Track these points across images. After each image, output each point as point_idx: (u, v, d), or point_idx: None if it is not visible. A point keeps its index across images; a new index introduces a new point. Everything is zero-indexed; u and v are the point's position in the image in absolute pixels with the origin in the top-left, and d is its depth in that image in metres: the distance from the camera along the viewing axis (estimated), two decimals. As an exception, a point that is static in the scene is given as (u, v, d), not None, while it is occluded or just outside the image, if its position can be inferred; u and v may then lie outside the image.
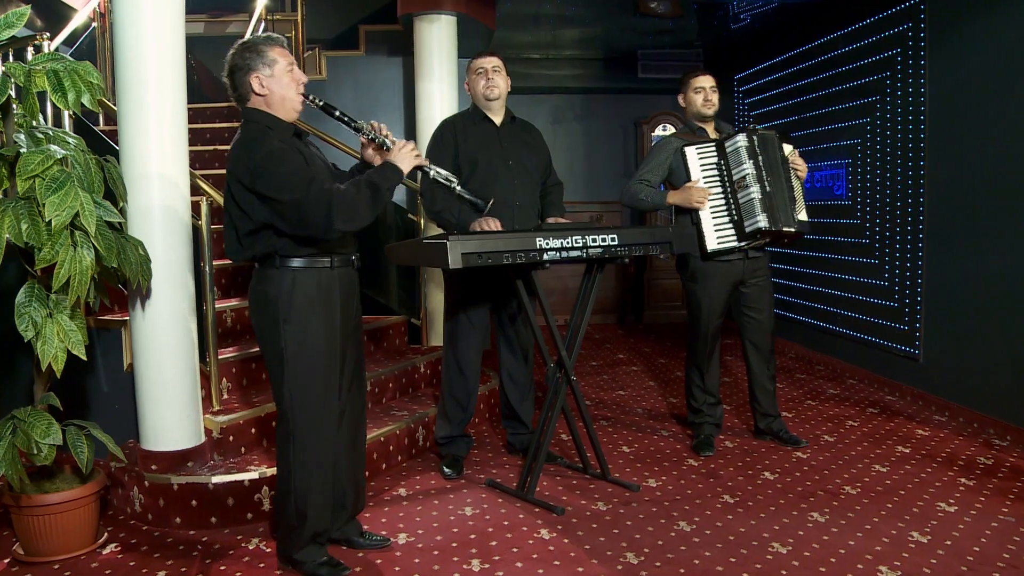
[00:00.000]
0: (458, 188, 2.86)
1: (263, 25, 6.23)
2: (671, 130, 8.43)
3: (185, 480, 3.14)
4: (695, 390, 4.14)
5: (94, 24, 5.65)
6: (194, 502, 3.14)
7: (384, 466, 3.80)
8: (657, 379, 5.74)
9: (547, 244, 3.16)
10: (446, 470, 3.76)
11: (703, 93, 3.95)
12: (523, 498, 3.44)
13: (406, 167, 2.64)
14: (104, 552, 2.97)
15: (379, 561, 2.88)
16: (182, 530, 3.14)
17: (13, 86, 2.67)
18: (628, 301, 8.41)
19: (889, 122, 5.01)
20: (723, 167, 3.85)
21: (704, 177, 3.89)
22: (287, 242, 2.60)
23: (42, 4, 5.27)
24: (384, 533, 3.10)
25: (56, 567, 2.84)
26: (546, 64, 8.09)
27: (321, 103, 2.69)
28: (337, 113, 2.72)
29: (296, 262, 2.62)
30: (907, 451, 3.98)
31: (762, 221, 3.77)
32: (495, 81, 3.72)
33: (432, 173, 2.77)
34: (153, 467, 3.20)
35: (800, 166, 3.94)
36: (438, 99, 5.12)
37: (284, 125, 2.64)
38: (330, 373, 2.68)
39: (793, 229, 3.82)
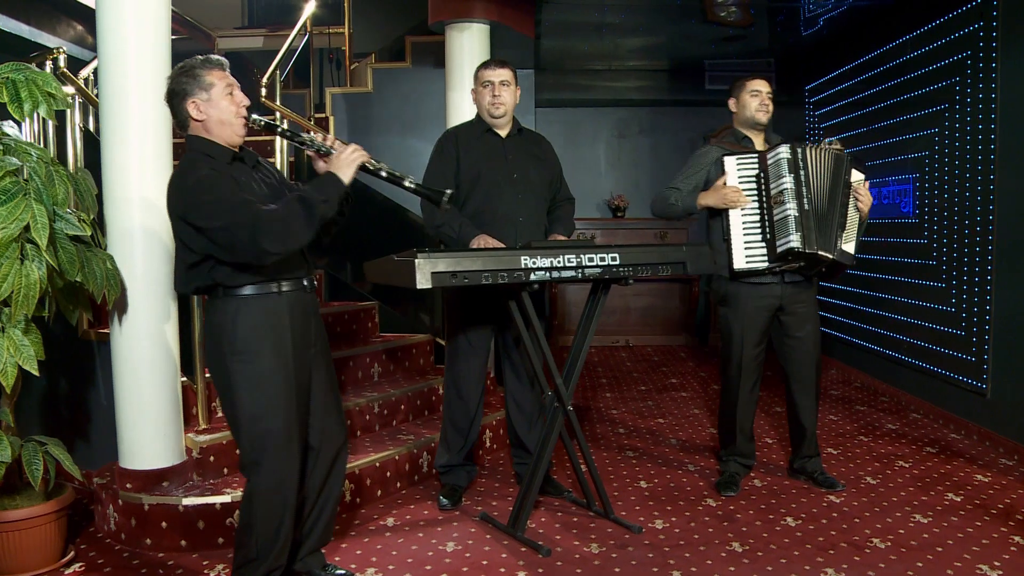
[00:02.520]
0: (412, 184, 2.63)
1: (306, 38, 6.23)
2: (740, 143, 8.03)
3: (156, 501, 3.06)
4: (726, 425, 3.81)
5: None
6: (164, 524, 3.05)
7: (379, 492, 3.63)
8: (705, 407, 5.39)
9: (534, 263, 2.93)
10: (442, 500, 3.56)
11: (759, 97, 3.63)
12: (512, 535, 3.21)
13: (346, 174, 2.46)
14: (67, 571, 2.91)
15: (336, 599, 2.71)
16: (151, 552, 3.06)
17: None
18: (691, 322, 8.03)
19: (958, 132, 4.54)
20: (762, 180, 3.53)
21: (744, 191, 3.59)
22: (227, 271, 2.45)
23: (94, 22, 5.38)
24: (354, 566, 2.93)
25: (16, 586, 2.80)
26: (608, 76, 7.84)
27: (263, 123, 2.52)
28: (280, 129, 2.58)
29: (240, 291, 2.48)
30: (958, 499, 3.54)
31: (794, 241, 3.43)
32: (502, 97, 3.51)
33: (384, 173, 2.56)
34: (128, 485, 3.13)
35: (863, 197, 3.57)
36: (469, 110, 4.94)
37: (222, 150, 2.50)
38: (287, 405, 2.52)
39: (830, 256, 3.47)
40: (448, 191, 2.64)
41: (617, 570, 2.90)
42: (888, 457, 4.16)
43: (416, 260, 2.70)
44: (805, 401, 3.72)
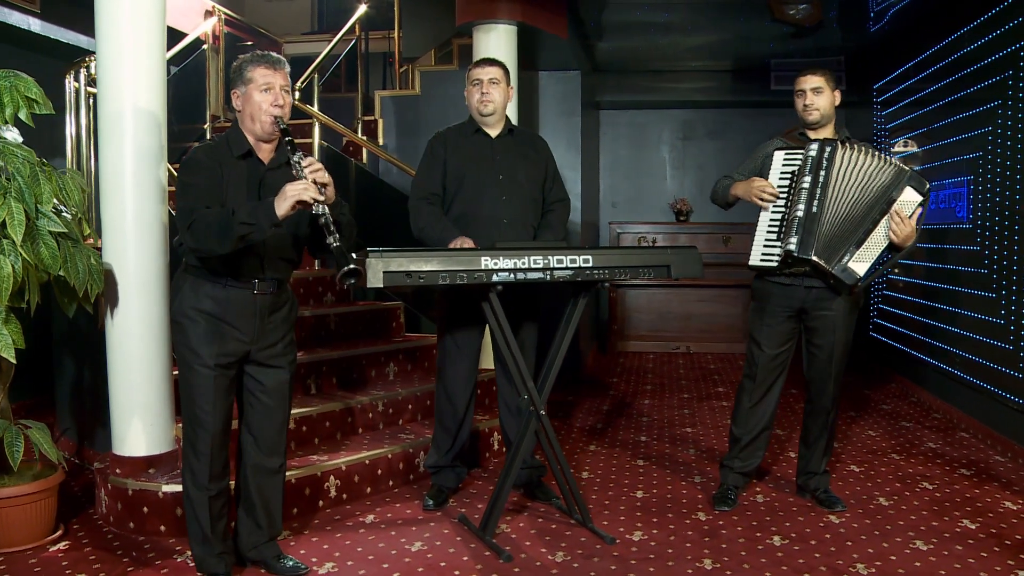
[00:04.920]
0: (333, 243, 2.47)
1: (352, 42, 6.38)
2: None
3: (139, 486, 3.20)
4: (734, 428, 3.66)
5: (205, 45, 6.04)
6: (145, 509, 3.18)
7: (368, 490, 3.67)
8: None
9: (495, 264, 2.91)
10: (427, 501, 3.56)
11: (802, 97, 3.44)
12: (480, 538, 3.18)
13: (281, 207, 2.43)
14: (51, 548, 3.08)
15: (283, 589, 2.77)
16: (133, 535, 3.19)
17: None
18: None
19: (1011, 131, 4.21)
20: (794, 177, 3.38)
21: (779, 187, 3.43)
22: (191, 254, 2.65)
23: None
24: (314, 560, 2.98)
25: (1, 560, 2.98)
26: (671, 77, 7.66)
27: (281, 125, 2.63)
28: (288, 139, 2.63)
29: (193, 272, 2.67)
30: (973, 527, 3.27)
31: (792, 244, 3.27)
32: (490, 95, 3.49)
33: (321, 221, 2.49)
34: (117, 471, 3.28)
35: (898, 224, 3.23)
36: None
37: (242, 142, 2.67)
38: (204, 383, 2.63)
39: (828, 268, 3.26)
40: (350, 267, 2.47)
41: (572, 580, 2.84)
42: (913, 478, 3.89)
43: (368, 259, 2.73)
44: (815, 416, 3.54)
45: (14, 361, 2.82)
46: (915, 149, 5.74)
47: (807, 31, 6.37)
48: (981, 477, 3.89)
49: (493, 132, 3.56)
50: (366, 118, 6.19)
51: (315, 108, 5.32)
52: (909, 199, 3.26)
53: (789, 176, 3.40)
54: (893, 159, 3.34)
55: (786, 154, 3.44)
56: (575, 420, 5.14)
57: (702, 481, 3.90)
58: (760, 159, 3.58)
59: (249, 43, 7.07)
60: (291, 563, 2.86)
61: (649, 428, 4.94)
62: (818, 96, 3.42)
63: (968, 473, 3.96)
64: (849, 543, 3.13)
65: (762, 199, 3.40)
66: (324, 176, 2.54)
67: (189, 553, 3.01)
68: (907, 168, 3.32)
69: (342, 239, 2.51)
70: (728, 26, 6.33)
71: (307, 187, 2.46)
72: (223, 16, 6.21)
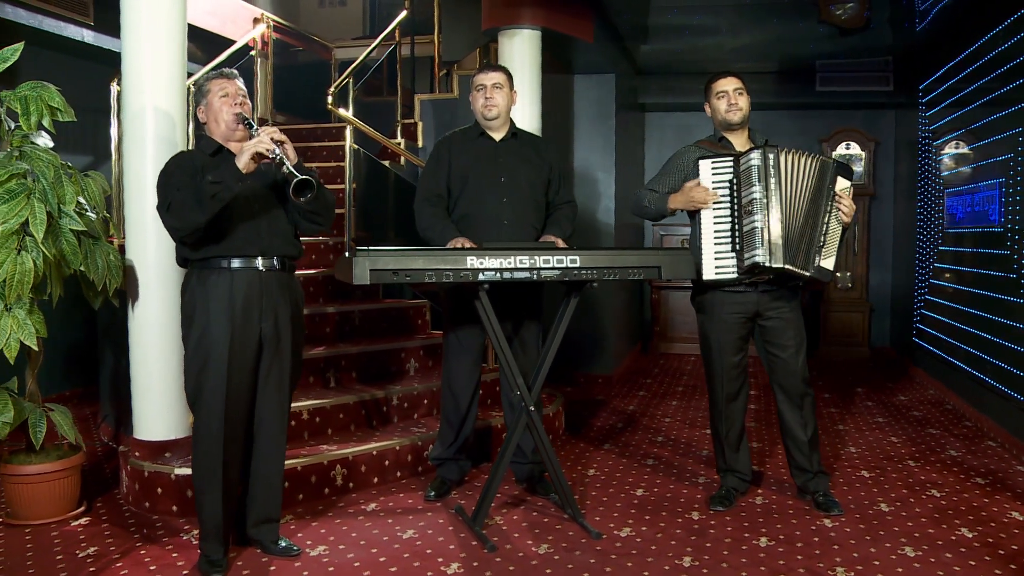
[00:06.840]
0: (287, 169, 2.68)
1: (392, 48, 6.57)
2: (855, 148, 7.57)
3: (154, 468, 3.42)
4: (715, 437, 3.69)
5: (252, 52, 6.31)
6: (159, 490, 3.40)
7: (375, 480, 3.82)
8: (762, 420, 5.15)
9: (481, 264, 3.01)
10: (429, 492, 3.68)
11: (726, 98, 3.49)
12: (471, 528, 3.29)
13: (241, 160, 2.67)
14: (73, 523, 3.32)
15: (272, 568, 2.93)
16: (148, 513, 3.42)
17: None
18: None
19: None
20: (735, 186, 3.39)
21: (710, 190, 3.44)
22: (188, 247, 2.84)
23: (202, 38, 5.98)
24: (309, 542, 3.14)
25: (28, 531, 3.23)
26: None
27: (243, 118, 2.87)
28: (248, 122, 2.88)
29: (197, 264, 2.86)
30: (970, 536, 3.22)
31: (760, 256, 3.27)
32: (494, 100, 3.60)
33: (277, 160, 2.71)
34: (136, 454, 3.51)
35: (845, 206, 3.34)
36: (519, 118, 5.01)
37: (211, 143, 2.91)
38: (217, 374, 2.80)
39: (805, 272, 3.28)
40: (301, 178, 2.65)
41: (549, 571, 2.91)
42: (923, 485, 3.83)
43: (354, 257, 2.87)
44: (792, 413, 3.54)
45: (37, 349, 3.06)
46: (966, 149, 5.60)
47: (851, 32, 6.28)
48: (995, 487, 3.80)
49: (497, 135, 3.66)
50: (406, 121, 6.36)
51: (349, 113, 5.50)
52: (844, 185, 3.38)
53: (726, 184, 3.39)
54: (814, 152, 3.39)
55: (713, 162, 3.43)
56: (597, 419, 5.20)
57: (706, 482, 3.92)
58: (682, 169, 3.57)
59: (299, 48, 7.35)
60: (284, 544, 3.02)
61: (667, 429, 4.96)
62: (740, 97, 3.48)
63: (982, 482, 3.87)
64: (836, 547, 3.12)
65: (705, 202, 3.40)
66: (279, 135, 2.75)
67: (196, 532, 3.22)
68: (830, 159, 3.41)
69: (315, 199, 2.74)
70: (771, 27, 6.30)
71: (261, 140, 2.70)
72: (272, 23, 6.46)
